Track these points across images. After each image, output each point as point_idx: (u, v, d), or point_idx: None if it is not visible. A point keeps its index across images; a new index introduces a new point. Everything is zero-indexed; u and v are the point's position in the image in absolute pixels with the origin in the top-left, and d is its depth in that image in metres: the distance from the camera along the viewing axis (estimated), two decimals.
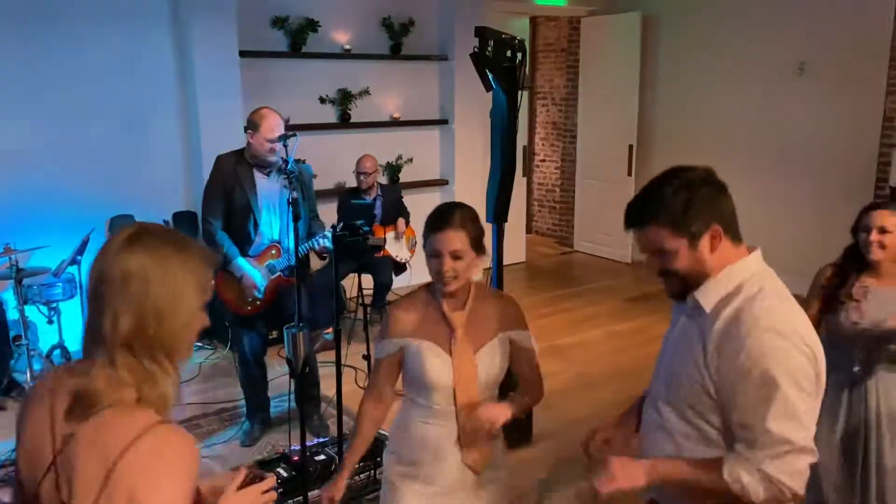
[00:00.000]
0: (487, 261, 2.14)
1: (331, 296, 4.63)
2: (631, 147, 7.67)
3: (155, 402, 1.25)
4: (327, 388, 4.10)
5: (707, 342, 1.57)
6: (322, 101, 6.31)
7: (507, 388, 2.22)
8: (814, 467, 1.56)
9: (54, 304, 4.59)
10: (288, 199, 3.38)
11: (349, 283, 5.45)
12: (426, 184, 6.96)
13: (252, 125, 3.72)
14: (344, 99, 6.37)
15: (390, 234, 5.68)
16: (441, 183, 7.08)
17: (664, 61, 7.51)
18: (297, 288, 3.33)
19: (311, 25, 6.07)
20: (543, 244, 8.93)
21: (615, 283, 7.16)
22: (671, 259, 1.61)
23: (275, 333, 4.28)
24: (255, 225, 3.77)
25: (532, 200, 9.28)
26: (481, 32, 3.63)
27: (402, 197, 5.94)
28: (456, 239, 1.97)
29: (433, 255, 1.99)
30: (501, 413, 2.04)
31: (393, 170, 6.71)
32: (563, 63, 8.62)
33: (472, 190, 7.01)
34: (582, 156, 8.33)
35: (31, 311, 4.58)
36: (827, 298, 2.64)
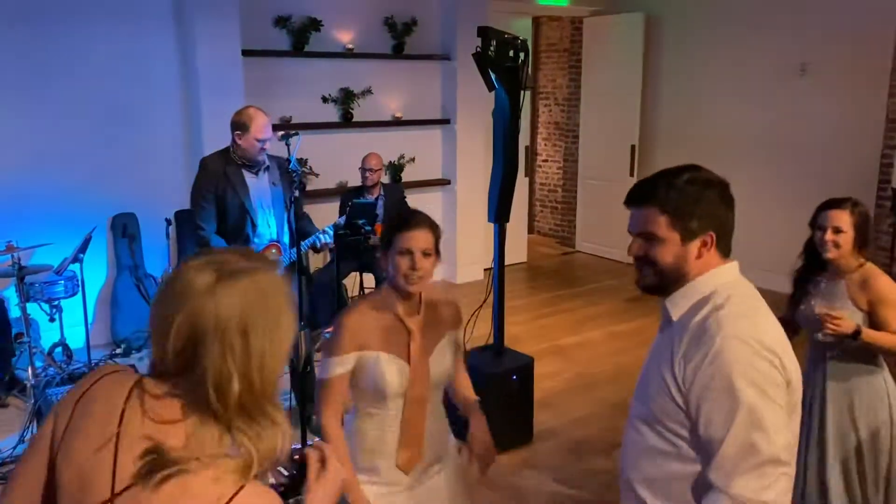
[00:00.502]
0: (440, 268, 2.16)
1: (332, 295, 4.65)
2: (633, 147, 7.66)
3: (252, 457, 1.12)
4: None
5: (675, 352, 1.51)
6: (324, 100, 6.31)
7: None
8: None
9: (56, 302, 4.60)
10: (290, 198, 3.38)
11: (351, 282, 5.46)
12: (428, 183, 6.96)
13: (241, 126, 3.69)
14: (346, 98, 6.38)
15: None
16: (443, 183, 7.08)
17: (666, 62, 7.51)
18: (299, 286, 3.33)
19: (314, 25, 6.07)
20: (545, 244, 8.93)
21: (617, 284, 7.16)
22: (657, 248, 1.55)
23: None
24: (253, 225, 3.77)
25: (534, 200, 9.28)
26: (484, 32, 3.63)
27: (406, 197, 5.94)
28: (426, 238, 2.02)
29: (403, 253, 2.00)
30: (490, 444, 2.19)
31: (395, 169, 6.71)
32: (565, 63, 8.61)
33: (473, 190, 7.03)
34: (584, 156, 8.33)
35: (33, 309, 4.59)
36: (795, 293, 2.78)
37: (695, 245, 1.54)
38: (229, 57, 5.50)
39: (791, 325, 2.72)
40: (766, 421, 1.41)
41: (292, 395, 3.84)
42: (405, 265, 1.99)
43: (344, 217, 4.33)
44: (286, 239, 3.84)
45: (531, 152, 8.80)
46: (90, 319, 4.89)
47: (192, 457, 1.08)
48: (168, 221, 5.13)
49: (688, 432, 1.49)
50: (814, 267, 2.73)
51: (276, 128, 4.89)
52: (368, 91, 6.48)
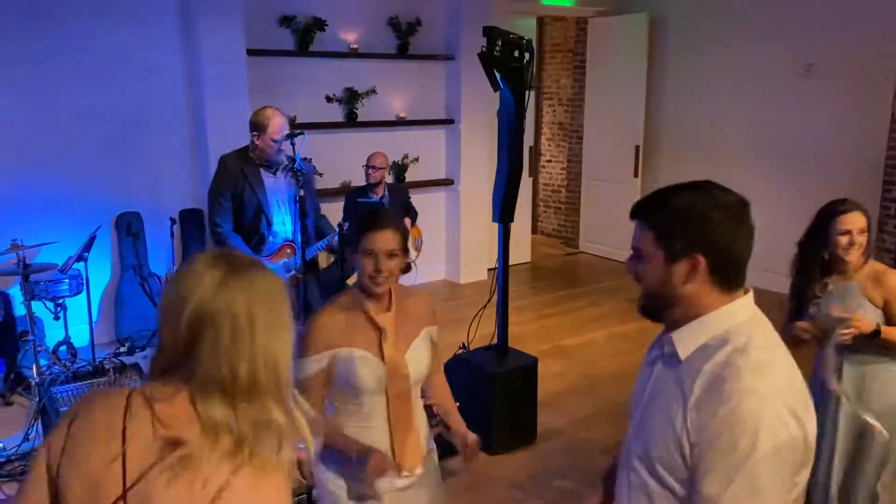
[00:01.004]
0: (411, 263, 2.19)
1: (335, 294, 4.65)
2: (637, 148, 7.66)
3: (273, 442, 1.17)
4: None
5: (687, 398, 1.38)
6: (329, 100, 6.32)
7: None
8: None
9: (61, 301, 4.60)
10: (295, 197, 3.39)
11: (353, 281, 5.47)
12: (432, 183, 6.96)
13: (258, 126, 3.72)
14: (350, 98, 6.38)
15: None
16: (447, 183, 7.08)
17: (671, 62, 7.50)
18: (304, 285, 3.34)
19: (319, 24, 6.08)
20: (549, 245, 8.92)
21: (620, 284, 7.15)
22: (644, 266, 1.46)
23: None
24: (269, 224, 3.79)
25: (538, 201, 9.28)
26: (489, 32, 3.63)
27: (410, 197, 5.94)
28: (391, 239, 2.03)
29: (368, 254, 2.02)
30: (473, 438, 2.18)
31: (399, 169, 6.72)
32: (569, 63, 8.61)
33: (477, 190, 7.03)
34: (588, 156, 8.33)
35: (38, 307, 4.60)
36: (795, 304, 2.75)
37: (680, 267, 1.41)
38: (234, 56, 5.51)
39: (794, 340, 2.68)
40: (767, 489, 1.30)
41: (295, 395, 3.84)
42: (369, 266, 2.01)
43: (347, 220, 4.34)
44: (300, 238, 3.87)
45: (535, 153, 8.80)
46: (94, 318, 4.90)
47: (203, 444, 1.13)
48: (172, 220, 5.13)
49: (684, 481, 1.39)
50: (813, 273, 2.71)
51: None
52: (373, 91, 6.49)
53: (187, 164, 5.63)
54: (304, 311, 3.48)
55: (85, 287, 4.59)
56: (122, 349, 5.12)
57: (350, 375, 2.02)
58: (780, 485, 1.33)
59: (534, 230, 9.00)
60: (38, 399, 3.85)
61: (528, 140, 6.82)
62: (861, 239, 2.65)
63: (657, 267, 1.44)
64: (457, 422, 2.24)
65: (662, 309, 1.47)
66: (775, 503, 1.33)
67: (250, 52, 5.62)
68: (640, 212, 1.49)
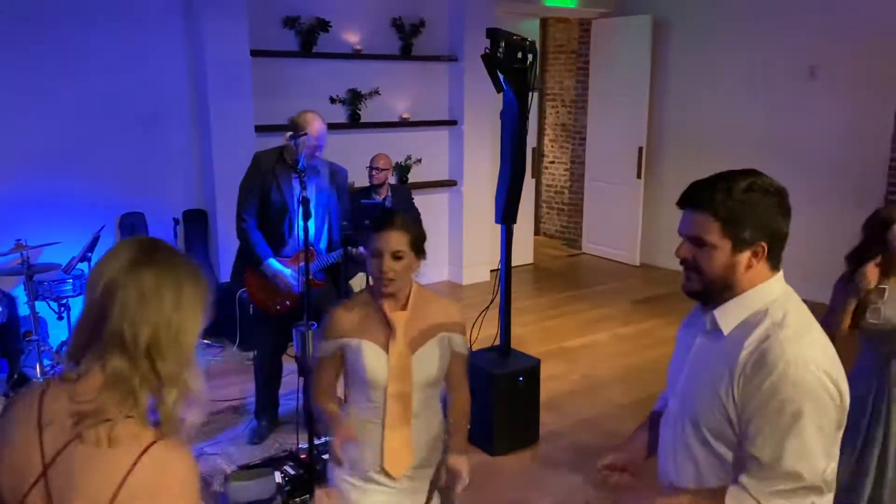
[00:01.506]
0: (423, 265, 2.18)
1: (338, 295, 4.65)
2: (640, 149, 7.66)
3: (165, 412, 1.26)
4: None
5: (734, 370, 1.48)
6: (332, 100, 6.32)
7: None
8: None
9: (64, 301, 4.61)
10: (299, 198, 3.39)
11: (357, 283, 5.47)
12: (435, 185, 6.97)
13: (296, 128, 3.71)
14: (354, 99, 6.39)
15: None
16: (450, 184, 7.09)
17: (674, 64, 7.50)
18: (306, 286, 3.34)
19: (322, 25, 6.09)
20: (551, 246, 8.92)
21: (623, 286, 7.16)
22: (706, 254, 1.52)
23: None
24: (291, 226, 3.79)
25: (540, 202, 9.28)
26: (493, 34, 3.64)
27: (413, 198, 5.95)
28: (397, 240, 2.04)
29: (375, 255, 2.06)
30: (464, 468, 2.15)
31: (402, 170, 6.72)
32: (573, 65, 8.61)
33: (480, 191, 7.03)
34: (591, 158, 8.33)
35: (42, 307, 4.61)
36: (854, 320, 2.75)
37: (745, 255, 1.50)
38: (237, 57, 5.52)
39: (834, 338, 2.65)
40: (815, 450, 1.42)
41: (299, 395, 3.85)
42: (375, 266, 2.06)
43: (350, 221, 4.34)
44: (323, 244, 3.88)
45: (538, 154, 8.81)
46: None
47: (118, 407, 1.22)
48: (176, 221, 5.15)
49: (732, 445, 1.50)
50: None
51: (283, 128, 4.90)
52: (376, 92, 6.50)
53: (191, 164, 5.64)
54: (316, 317, 3.48)
55: None
56: None
57: (358, 365, 2.08)
58: (826, 443, 1.44)
59: (536, 231, 9.00)
60: None
61: (531, 141, 6.83)
62: None
63: (723, 255, 1.50)
64: (456, 447, 2.20)
65: (719, 293, 1.54)
66: (823, 461, 1.43)
67: (254, 53, 5.63)
68: (702, 202, 1.52)
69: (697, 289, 1.56)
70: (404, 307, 2.11)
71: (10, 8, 4.82)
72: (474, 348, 4.25)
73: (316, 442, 3.37)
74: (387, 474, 2.11)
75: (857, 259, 2.77)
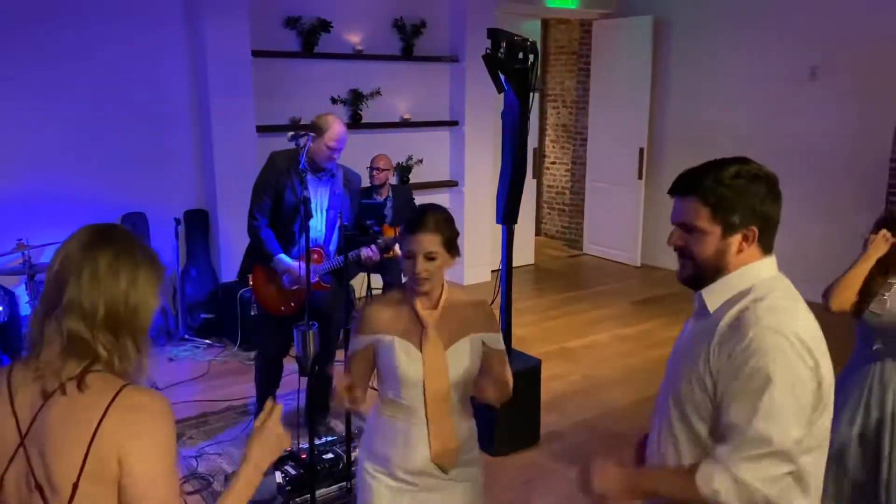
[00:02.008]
0: (457, 261, 2.20)
1: (346, 298, 4.67)
2: (641, 150, 7.66)
3: (124, 372, 1.32)
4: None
5: (711, 340, 1.52)
6: (333, 101, 6.33)
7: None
8: (835, 464, 1.52)
9: None
10: (299, 198, 3.39)
11: (358, 283, 5.48)
12: (436, 185, 6.97)
13: (316, 129, 3.72)
14: (355, 99, 6.39)
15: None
16: (451, 184, 7.09)
17: (675, 65, 7.50)
18: (307, 285, 3.34)
19: (324, 26, 6.09)
20: (552, 246, 8.93)
21: (624, 286, 7.16)
22: (697, 240, 1.56)
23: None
24: (302, 226, 3.80)
25: (541, 203, 9.28)
26: (494, 34, 3.64)
27: (414, 198, 5.95)
28: (430, 241, 2.06)
29: (408, 256, 2.08)
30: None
31: (403, 171, 6.73)
32: (574, 66, 8.62)
33: (481, 192, 7.04)
34: (592, 158, 8.33)
35: None
36: (863, 288, 2.75)
37: (735, 239, 1.54)
38: (239, 57, 5.53)
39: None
40: (785, 414, 1.42)
41: (299, 394, 3.85)
42: (409, 267, 2.08)
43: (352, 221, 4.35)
44: (332, 247, 3.88)
45: (539, 154, 8.81)
46: None
47: (79, 366, 1.29)
48: (177, 221, 5.16)
49: (710, 420, 1.52)
50: (875, 273, 2.73)
51: (284, 129, 4.92)
52: (377, 92, 6.50)
53: (192, 165, 5.64)
54: (319, 318, 3.48)
55: None
56: None
57: (390, 362, 2.10)
58: (798, 409, 1.44)
59: (537, 232, 9.00)
60: None
61: (532, 142, 6.85)
62: None
63: (713, 240, 1.54)
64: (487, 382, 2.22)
65: (710, 277, 1.58)
66: (794, 432, 1.43)
67: (255, 54, 5.64)
68: (691, 188, 1.56)
69: (691, 275, 1.60)
70: (436, 306, 2.14)
71: (10, 8, 4.82)
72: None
73: (316, 442, 3.37)
74: (429, 471, 2.12)
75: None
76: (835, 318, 2.63)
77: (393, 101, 6.67)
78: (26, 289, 4.30)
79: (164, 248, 5.43)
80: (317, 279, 3.79)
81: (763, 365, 1.42)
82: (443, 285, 2.16)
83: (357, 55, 6.35)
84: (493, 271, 7.07)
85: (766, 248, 1.58)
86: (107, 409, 1.25)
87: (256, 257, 3.86)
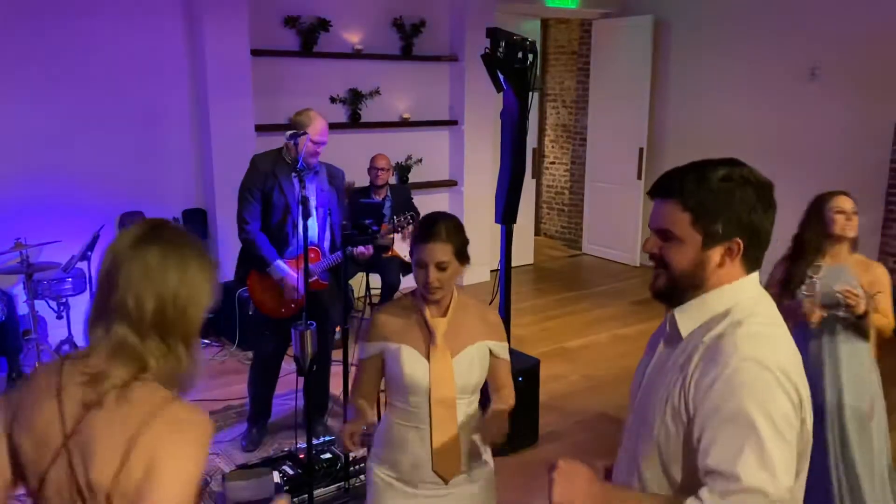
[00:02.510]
0: (469, 269, 2.22)
1: (339, 295, 4.66)
2: (641, 150, 7.65)
3: (173, 379, 1.31)
4: (334, 386, 4.11)
5: (686, 371, 1.34)
6: (333, 100, 6.32)
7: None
8: None
9: (64, 300, 4.61)
10: (298, 198, 3.38)
11: (357, 283, 5.47)
12: (435, 185, 6.96)
13: (299, 126, 3.70)
14: (354, 99, 6.39)
15: (397, 235, 5.68)
16: (450, 184, 7.08)
17: (675, 65, 7.49)
18: (304, 287, 3.33)
19: (323, 25, 6.09)
20: (551, 246, 8.92)
21: (623, 287, 7.15)
22: (674, 248, 1.37)
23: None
24: (294, 226, 3.78)
25: (541, 203, 9.27)
26: (493, 33, 3.63)
27: (413, 198, 5.95)
28: (441, 251, 2.04)
29: (419, 266, 2.07)
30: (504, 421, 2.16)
31: (402, 170, 6.72)
32: (573, 65, 8.61)
33: (480, 191, 7.03)
34: (591, 158, 8.32)
35: (41, 306, 4.61)
36: (782, 288, 2.93)
37: (717, 251, 1.36)
38: (238, 56, 5.52)
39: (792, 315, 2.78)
40: (775, 460, 1.25)
41: (297, 394, 3.84)
42: (421, 277, 2.07)
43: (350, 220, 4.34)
44: (326, 244, 3.87)
45: (538, 154, 8.80)
46: None
47: (131, 371, 1.27)
48: (175, 220, 5.14)
49: (680, 459, 1.35)
50: (807, 256, 2.92)
51: (283, 128, 4.90)
52: (376, 92, 6.49)
53: (191, 164, 5.63)
54: (317, 317, 3.47)
55: (88, 286, 4.60)
56: None
57: (397, 369, 2.10)
58: (786, 451, 1.27)
59: (537, 232, 8.99)
60: None
61: (531, 142, 6.83)
62: (854, 219, 2.88)
63: (691, 250, 1.36)
64: (497, 406, 2.23)
65: (685, 292, 1.40)
66: (786, 480, 1.27)
67: (254, 53, 5.63)
68: (671, 190, 1.38)
69: (663, 286, 1.42)
70: (445, 313, 2.13)
71: (9, 6, 4.81)
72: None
73: (315, 442, 3.36)
74: (433, 480, 2.11)
75: (800, 236, 3.01)
76: None
77: (392, 101, 6.66)
78: (24, 288, 4.29)
79: None
80: (314, 277, 3.77)
81: (746, 404, 1.25)
82: (452, 292, 2.15)
83: (356, 54, 6.34)
84: (492, 271, 7.07)
85: (752, 265, 1.39)
86: (148, 420, 1.23)
87: (252, 263, 3.82)
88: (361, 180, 5.95)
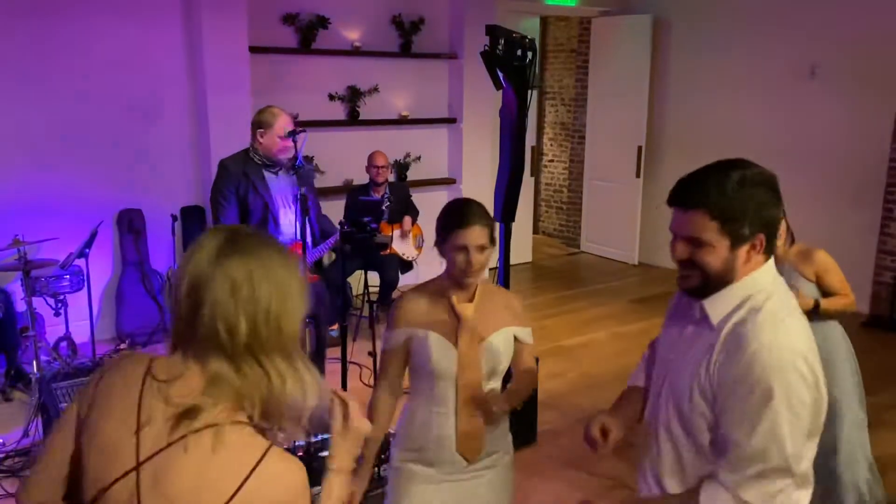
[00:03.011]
0: (494, 254, 2.20)
1: (337, 293, 4.65)
2: (640, 148, 7.65)
3: (276, 407, 1.19)
4: (332, 384, 4.10)
5: (712, 354, 1.51)
6: (331, 98, 6.31)
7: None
8: None
9: (61, 297, 4.60)
10: (296, 195, 3.38)
11: (355, 281, 5.46)
12: (434, 182, 6.95)
13: (264, 124, 3.70)
14: (353, 96, 6.38)
15: (396, 233, 5.68)
16: (449, 182, 7.07)
17: (674, 63, 7.49)
18: (312, 285, 3.33)
19: (322, 22, 6.08)
20: (550, 245, 8.92)
21: (621, 285, 7.15)
22: (704, 253, 1.50)
23: None
24: (276, 224, 3.77)
25: (539, 201, 9.27)
26: (492, 30, 3.62)
27: (411, 195, 5.94)
28: (479, 233, 2.07)
29: (458, 250, 2.07)
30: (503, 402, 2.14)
31: (401, 168, 6.71)
32: (572, 63, 8.60)
33: (479, 189, 7.01)
34: (590, 157, 8.32)
35: (39, 303, 4.60)
36: None
37: (744, 249, 1.50)
38: (236, 53, 5.50)
39: None
40: (784, 431, 1.41)
41: None
42: (461, 261, 2.07)
43: (349, 218, 4.33)
44: (308, 238, 3.87)
45: (537, 152, 8.79)
46: (95, 314, 4.90)
47: (221, 415, 1.14)
48: (174, 217, 5.14)
49: (710, 431, 1.52)
50: None
51: None
52: (375, 89, 6.48)
53: (189, 161, 5.62)
54: (315, 311, 3.47)
55: (86, 283, 4.59)
56: (123, 346, 5.13)
57: (424, 356, 2.10)
58: (796, 425, 1.42)
59: (535, 230, 8.99)
60: (38, 395, 3.84)
61: (530, 140, 6.82)
62: (781, 227, 2.87)
63: (722, 252, 1.49)
64: (512, 388, 2.26)
65: (718, 288, 1.54)
66: (790, 444, 1.42)
67: (253, 50, 5.62)
68: (695, 201, 1.49)
69: (697, 285, 1.55)
70: (471, 298, 2.14)
71: (5, 3, 4.80)
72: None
73: (313, 439, 3.36)
74: (456, 461, 2.13)
75: None
76: None
77: (391, 98, 6.65)
78: (21, 285, 4.27)
79: (161, 244, 5.41)
80: (304, 272, 3.77)
81: (762, 382, 1.41)
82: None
83: (355, 52, 6.33)
84: (490, 269, 7.05)
85: (769, 253, 1.55)
86: (247, 477, 1.12)
87: None
88: (360, 178, 5.94)
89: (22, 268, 4.13)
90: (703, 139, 7.18)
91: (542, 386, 4.18)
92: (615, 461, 3.67)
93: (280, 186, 3.79)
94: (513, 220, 3.95)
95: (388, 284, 5.56)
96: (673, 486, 1.62)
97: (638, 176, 7.67)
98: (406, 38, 6.60)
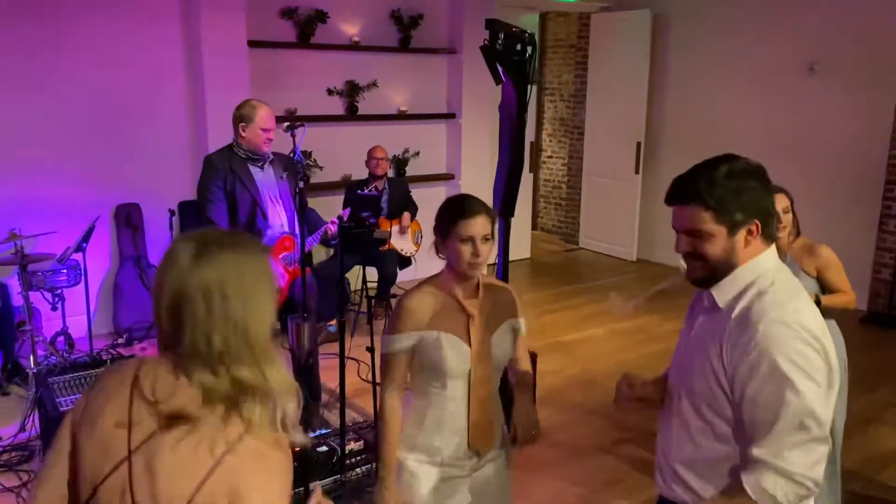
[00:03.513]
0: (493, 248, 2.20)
1: (335, 288, 4.65)
2: (639, 145, 7.64)
3: (253, 417, 1.22)
4: (330, 379, 4.10)
5: (723, 339, 1.58)
6: (330, 92, 6.29)
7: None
8: None
9: (59, 291, 4.59)
10: (295, 190, 3.37)
11: (354, 276, 5.45)
12: (433, 178, 6.94)
13: (245, 118, 3.70)
14: (352, 91, 6.36)
15: (395, 228, 5.67)
16: (447, 177, 7.06)
17: (674, 59, 7.48)
18: (303, 279, 3.32)
19: (320, 16, 6.06)
20: (548, 241, 8.91)
21: (620, 281, 7.15)
22: (705, 243, 1.61)
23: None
24: (265, 218, 3.76)
25: (538, 197, 9.26)
26: (492, 25, 3.62)
27: (410, 191, 5.93)
28: (483, 224, 2.07)
29: (464, 241, 2.05)
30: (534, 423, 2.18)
31: (400, 163, 6.70)
32: (571, 59, 8.59)
33: (478, 185, 7.01)
34: (589, 153, 8.31)
35: (36, 298, 4.58)
36: None
37: (741, 235, 1.60)
38: (235, 48, 5.48)
39: None
40: (814, 402, 1.48)
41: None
42: (467, 252, 2.05)
43: (348, 209, 4.33)
44: (298, 230, 3.86)
45: (536, 148, 8.78)
46: (92, 309, 4.89)
47: (204, 411, 1.21)
48: (171, 212, 5.12)
49: (727, 413, 1.58)
50: None
51: (280, 119, 4.88)
52: (374, 84, 6.46)
53: (187, 155, 5.60)
54: (304, 305, 3.46)
55: (83, 278, 4.58)
56: (120, 340, 5.12)
57: (436, 357, 2.06)
58: (820, 393, 1.50)
59: (534, 226, 8.98)
60: (34, 389, 3.83)
61: (529, 135, 6.80)
62: (787, 219, 2.91)
63: (721, 240, 1.60)
64: (520, 406, 2.22)
65: (723, 274, 1.63)
66: (823, 414, 1.49)
67: (251, 44, 5.60)
68: (689, 196, 1.61)
69: (703, 275, 1.65)
70: (476, 294, 2.14)
71: (4, 1, 4.78)
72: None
73: (311, 435, 3.35)
74: (468, 455, 2.13)
75: None
76: None
77: (390, 93, 6.64)
78: (18, 279, 4.26)
79: (159, 239, 5.40)
80: (294, 265, 3.77)
81: (777, 360, 1.49)
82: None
83: (354, 46, 6.31)
84: (489, 265, 7.05)
85: (769, 240, 1.64)
86: (223, 455, 1.18)
87: None
88: (358, 173, 5.93)
89: (19, 262, 4.12)
90: (703, 135, 7.17)
91: (541, 382, 4.17)
92: (614, 456, 3.66)
93: (266, 180, 3.79)
94: (512, 215, 3.94)
95: (387, 280, 5.56)
96: (689, 477, 1.68)
97: (637, 172, 7.67)
98: (405, 33, 6.58)
